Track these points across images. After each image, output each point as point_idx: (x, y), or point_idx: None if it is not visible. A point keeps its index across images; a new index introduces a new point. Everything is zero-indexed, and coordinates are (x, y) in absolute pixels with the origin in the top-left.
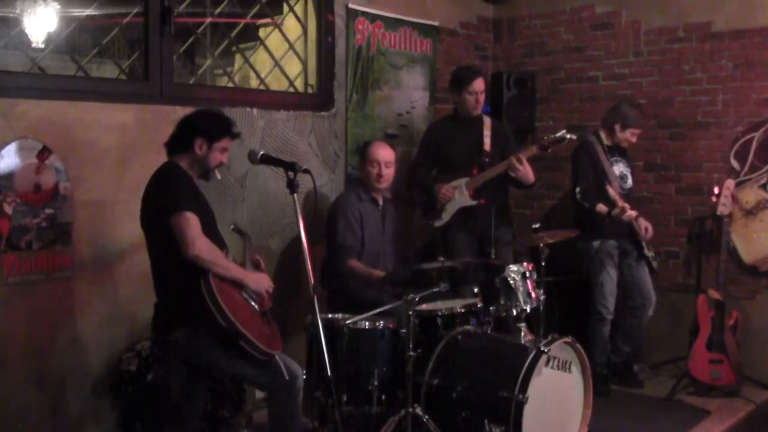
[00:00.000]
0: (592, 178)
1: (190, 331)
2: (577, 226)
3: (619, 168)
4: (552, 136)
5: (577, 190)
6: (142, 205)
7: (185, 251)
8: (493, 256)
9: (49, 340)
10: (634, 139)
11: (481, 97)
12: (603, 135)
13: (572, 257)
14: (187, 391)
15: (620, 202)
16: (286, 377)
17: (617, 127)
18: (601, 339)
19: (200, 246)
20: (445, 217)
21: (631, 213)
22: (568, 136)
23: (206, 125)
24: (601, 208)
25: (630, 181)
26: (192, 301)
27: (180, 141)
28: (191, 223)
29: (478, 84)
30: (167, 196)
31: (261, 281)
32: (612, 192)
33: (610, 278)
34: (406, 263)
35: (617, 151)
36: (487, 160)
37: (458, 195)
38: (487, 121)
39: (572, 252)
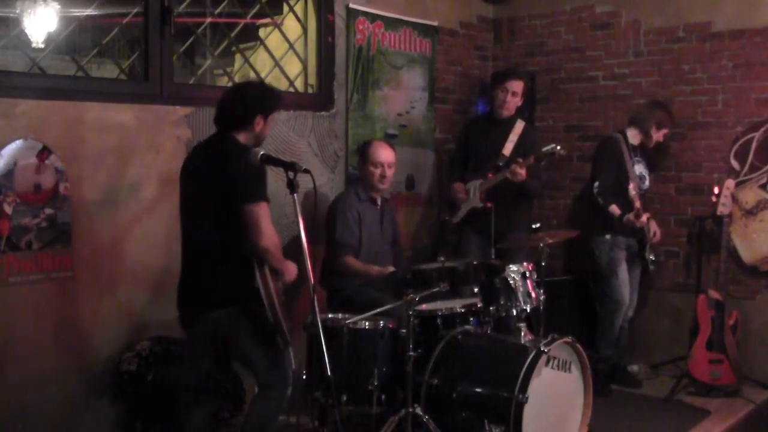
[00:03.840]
0: (612, 176)
1: (231, 311)
2: (590, 220)
3: (639, 168)
4: (545, 149)
5: (596, 184)
6: (214, 175)
7: (257, 240)
8: (503, 258)
9: (49, 340)
10: (662, 139)
11: (511, 99)
12: (630, 134)
13: (572, 257)
14: (212, 370)
15: (637, 203)
16: (288, 382)
17: (653, 127)
18: (611, 328)
19: (272, 239)
20: (459, 215)
21: (644, 220)
22: (558, 149)
23: (264, 103)
24: (614, 209)
25: (647, 183)
26: (241, 284)
27: (239, 119)
28: (267, 214)
29: (511, 84)
30: (250, 182)
31: (293, 272)
32: (633, 192)
33: (624, 270)
34: (400, 265)
35: (639, 151)
36: (500, 164)
37: (471, 196)
38: (519, 126)
39: (572, 252)
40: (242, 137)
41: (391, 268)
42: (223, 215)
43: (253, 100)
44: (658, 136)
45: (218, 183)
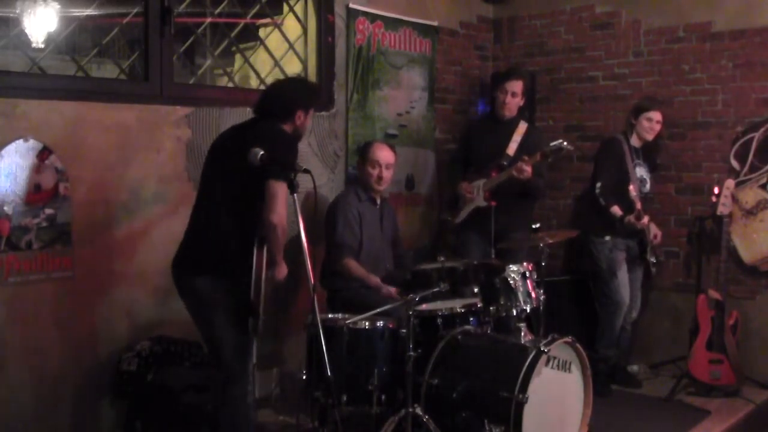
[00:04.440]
0: (614, 177)
1: (214, 281)
2: (590, 221)
3: (641, 171)
4: (552, 145)
5: (598, 185)
6: (247, 148)
7: (269, 215)
8: (503, 258)
9: (49, 340)
10: (657, 126)
11: (511, 99)
12: (629, 135)
13: (572, 257)
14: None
15: (638, 205)
16: (249, 377)
17: (631, 119)
18: (611, 329)
19: (283, 218)
20: (462, 215)
21: (645, 222)
22: (565, 144)
23: (305, 98)
24: (616, 210)
25: (648, 186)
26: (234, 258)
27: (281, 111)
28: (285, 195)
29: (511, 85)
30: (281, 160)
31: (284, 272)
32: (633, 193)
33: (624, 271)
34: (405, 265)
35: (642, 154)
36: (505, 163)
37: (475, 195)
38: (522, 126)
39: (572, 252)
40: (285, 128)
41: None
42: (242, 189)
43: (294, 95)
44: (641, 124)
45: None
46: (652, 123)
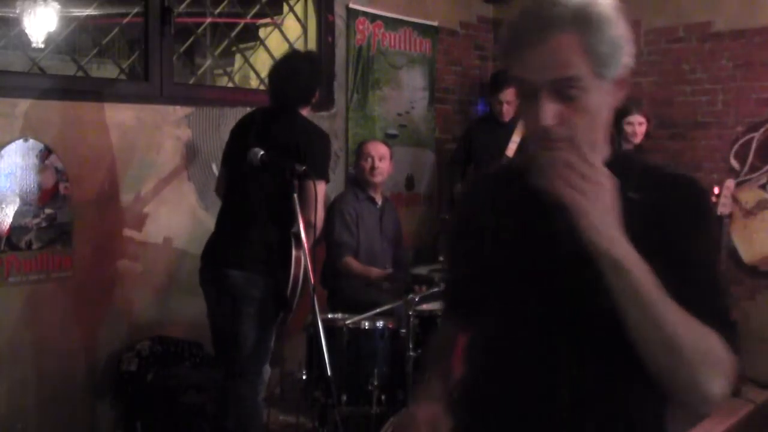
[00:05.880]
0: None
1: (248, 275)
2: None
3: None
4: None
5: None
6: (284, 146)
7: (305, 212)
8: None
9: (49, 340)
10: (640, 129)
11: (507, 107)
12: (617, 141)
13: None
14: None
15: None
16: (262, 373)
17: (616, 125)
18: None
19: (320, 218)
20: None
21: None
22: None
23: (318, 75)
24: None
25: None
26: (272, 254)
27: (306, 96)
28: (323, 195)
29: (504, 95)
30: (323, 161)
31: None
32: None
33: None
34: (400, 264)
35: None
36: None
37: None
38: (522, 126)
39: None
40: (305, 112)
41: (389, 270)
42: (277, 186)
43: (312, 77)
44: (624, 129)
45: (287, 153)
46: (633, 127)
